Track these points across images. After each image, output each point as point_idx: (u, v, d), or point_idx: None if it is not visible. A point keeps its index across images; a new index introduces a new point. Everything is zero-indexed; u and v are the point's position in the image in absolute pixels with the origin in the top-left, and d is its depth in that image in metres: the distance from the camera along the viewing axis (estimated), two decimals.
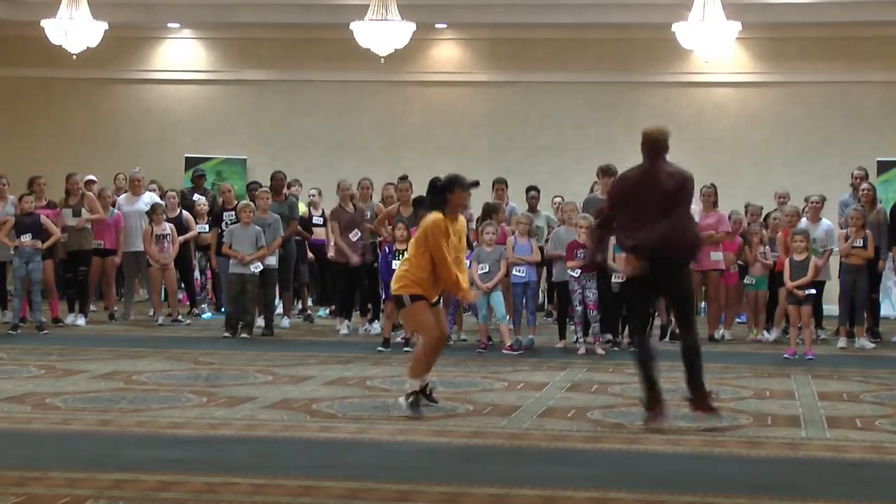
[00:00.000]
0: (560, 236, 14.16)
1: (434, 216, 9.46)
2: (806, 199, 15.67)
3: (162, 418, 9.12)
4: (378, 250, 14.80)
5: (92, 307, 16.70)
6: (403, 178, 15.35)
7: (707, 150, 19.69)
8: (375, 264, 14.86)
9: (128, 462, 7.45)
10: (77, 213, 16.14)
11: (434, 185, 9.59)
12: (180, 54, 21.53)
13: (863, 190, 15.48)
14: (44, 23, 17.53)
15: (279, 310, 16.08)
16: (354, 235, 15.17)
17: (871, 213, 15.16)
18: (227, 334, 14.74)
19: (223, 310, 16.08)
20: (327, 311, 17.22)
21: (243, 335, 14.67)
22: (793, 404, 10.13)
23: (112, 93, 21.54)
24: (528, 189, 17.51)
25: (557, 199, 17.48)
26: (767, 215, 16.17)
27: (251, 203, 15.22)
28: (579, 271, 13.58)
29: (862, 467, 7.76)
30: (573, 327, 13.93)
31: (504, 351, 13.46)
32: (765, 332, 15.11)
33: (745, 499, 6.76)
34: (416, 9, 17.78)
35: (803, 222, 14.97)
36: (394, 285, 9.61)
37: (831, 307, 15.20)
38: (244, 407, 9.63)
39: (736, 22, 16.90)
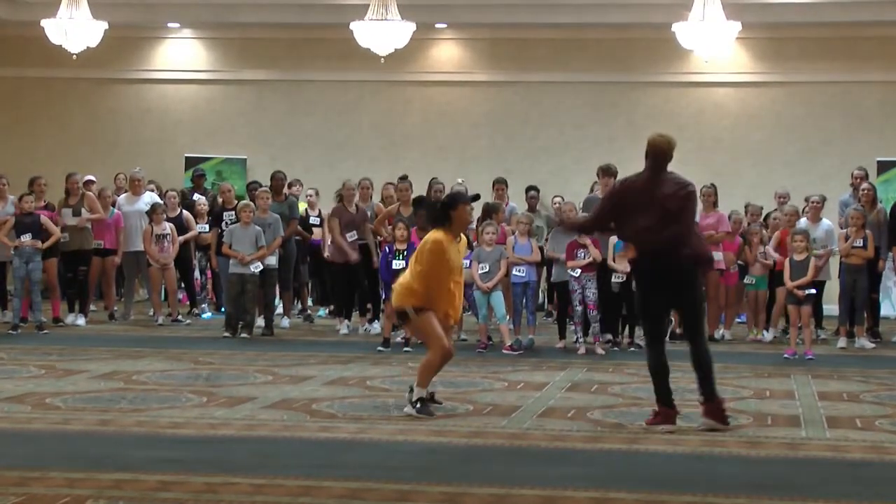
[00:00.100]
0: (560, 236, 14.16)
1: (434, 236, 9.31)
2: (806, 199, 15.69)
3: (162, 418, 9.12)
4: (378, 250, 14.80)
5: (92, 307, 16.69)
6: (403, 178, 15.36)
7: (707, 150, 19.67)
8: (375, 265, 14.86)
9: (128, 462, 7.45)
10: (77, 213, 16.14)
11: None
12: (180, 54, 21.51)
13: (863, 190, 15.48)
14: (44, 23, 17.51)
15: (279, 310, 16.08)
16: (352, 236, 15.16)
17: (871, 213, 15.16)
18: (227, 334, 14.74)
19: (223, 310, 16.08)
20: (327, 311, 17.21)
21: (243, 335, 14.67)
22: (793, 404, 10.13)
23: (112, 93, 21.52)
24: (528, 189, 17.53)
25: (557, 200, 17.48)
26: (767, 215, 16.19)
27: (251, 203, 15.21)
28: (579, 271, 13.59)
29: (862, 467, 7.76)
30: (573, 327, 13.94)
31: (504, 351, 13.45)
32: (765, 332, 15.12)
33: (745, 499, 6.76)
34: (416, 9, 17.77)
35: (803, 222, 14.98)
36: (395, 301, 9.50)
37: (831, 307, 15.19)
38: (244, 407, 9.63)
39: (736, 22, 16.89)
